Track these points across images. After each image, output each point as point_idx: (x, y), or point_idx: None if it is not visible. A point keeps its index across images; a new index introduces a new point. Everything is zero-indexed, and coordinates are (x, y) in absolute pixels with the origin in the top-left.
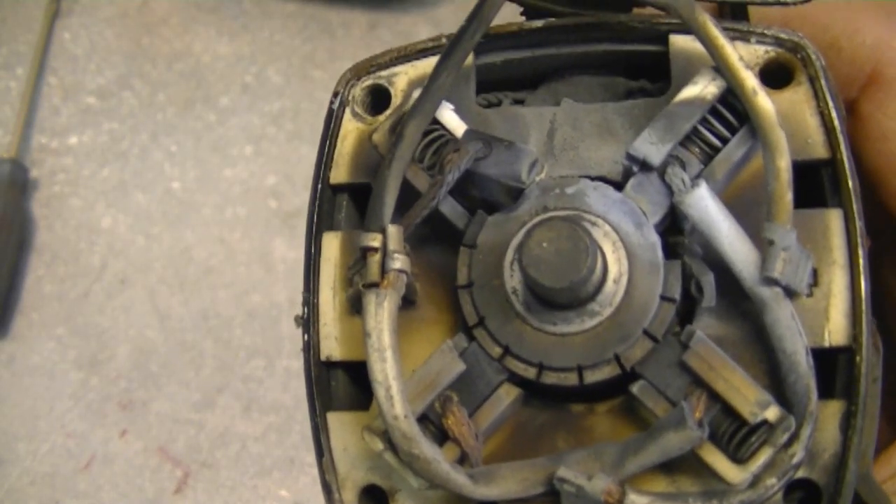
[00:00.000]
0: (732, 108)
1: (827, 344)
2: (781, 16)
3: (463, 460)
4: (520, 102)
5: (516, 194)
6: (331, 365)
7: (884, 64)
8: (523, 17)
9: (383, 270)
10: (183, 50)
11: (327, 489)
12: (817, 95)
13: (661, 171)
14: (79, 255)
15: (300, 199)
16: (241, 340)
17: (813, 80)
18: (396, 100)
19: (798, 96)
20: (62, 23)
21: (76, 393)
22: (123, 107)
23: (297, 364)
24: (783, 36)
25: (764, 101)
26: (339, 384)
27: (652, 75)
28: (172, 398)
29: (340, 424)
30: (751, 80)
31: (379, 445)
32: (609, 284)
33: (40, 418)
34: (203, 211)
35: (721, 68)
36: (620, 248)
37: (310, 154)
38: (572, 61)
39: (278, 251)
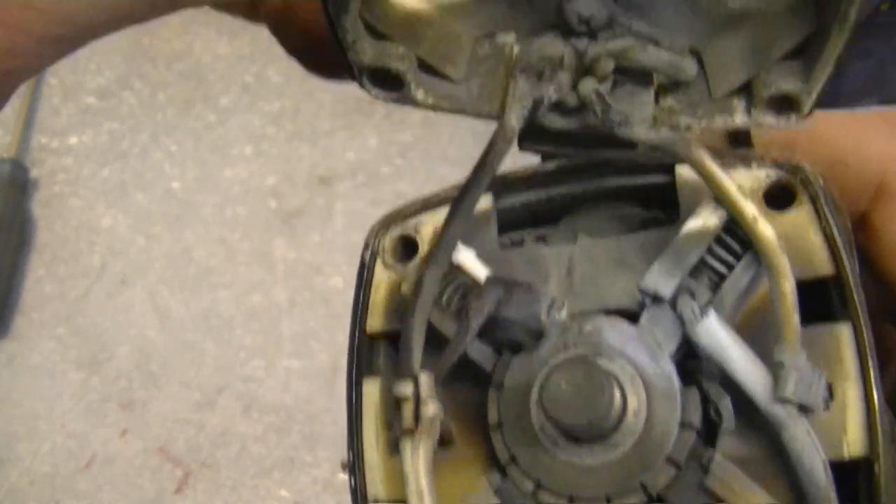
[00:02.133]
0: (736, 236)
1: (846, 456)
2: (786, 135)
3: None
4: (542, 239)
5: (537, 335)
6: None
7: (891, 177)
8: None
9: (417, 417)
10: (183, 50)
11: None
12: (819, 215)
13: (673, 303)
14: (79, 255)
15: (300, 199)
16: (241, 340)
17: (814, 201)
18: (423, 248)
19: (801, 217)
20: None
21: (76, 393)
22: (123, 107)
23: (297, 364)
24: (782, 161)
25: (764, 227)
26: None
27: (665, 204)
28: (172, 398)
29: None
30: (750, 209)
31: None
32: (629, 417)
33: (40, 418)
34: (203, 211)
35: (720, 199)
36: (638, 380)
37: (310, 154)
38: (587, 196)
39: (278, 251)
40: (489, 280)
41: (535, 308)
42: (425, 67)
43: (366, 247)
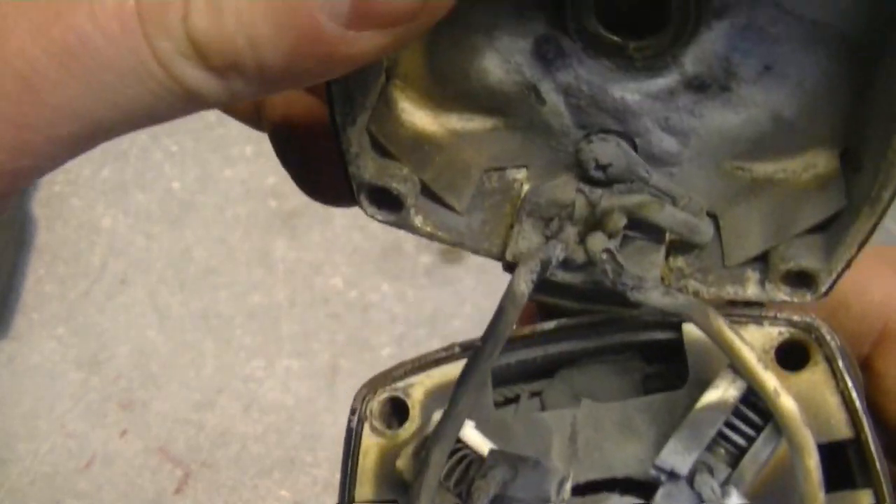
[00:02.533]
0: (755, 407)
1: None
2: None
3: None
4: (537, 394)
5: None
6: None
7: (894, 321)
8: None
9: None
10: None
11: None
12: (836, 375)
13: (690, 480)
14: (79, 255)
15: (300, 199)
16: (241, 340)
17: (830, 360)
18: (414, 411)
19: (816, 377)
20: None
21: (76, 393)
22: None
23: (297, 364)
24: (795, 318)
25: (787, 402)
26: None
27: (668, 358)
28: (172, 398)
29: None
30: (772, 382)
31: None
32: None
33: (40, 418)
34: (203, 211)
35: (741, 371)
36: None
37: None
38: (587, 353)
39: (278, 251)
40: (492, 455)
41: (544, 486)
42: (428, 193)
43: (352, 412)
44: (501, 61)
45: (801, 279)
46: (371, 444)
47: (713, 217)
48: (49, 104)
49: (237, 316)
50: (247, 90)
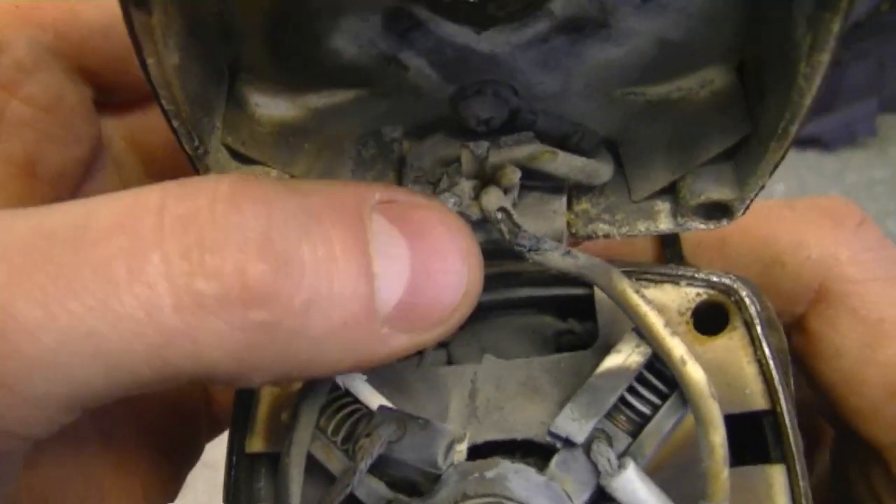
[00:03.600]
0: (660, 374)
1: None
2: (720, 235)
3: None
4: (444, 346)
5: (434, 478)
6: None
7: (831, 279)
8: None
9: None
10: None
11: None
12: (754, 342)
13: (587, 448)
14: None
15: None
16: None
17: (749, 326)
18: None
19: (733, 343)
20: None
21: None
22: None
23: None
24: (714, 279)
25: (694, 370)
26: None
27: (580, 315)
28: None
29: None
30: (679, 349)
31: None
32: None
33: None
34: None
35: (646, 336)
36: None
37: None
38: (495, 306)
39: None
40: (381, 412)
41: (432, 449)
42: None
43: None
44: (351, 40)
45: (714, 209)
46: (265, 393)
47: (613, 145)
48: (24, 394)
49: None
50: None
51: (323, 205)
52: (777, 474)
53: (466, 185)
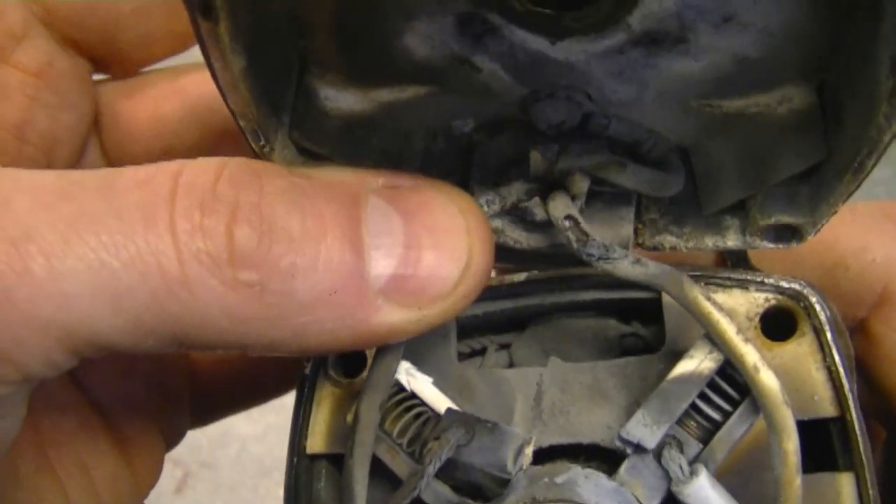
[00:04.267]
0: (732, 380)
1: None
2: None
3: None
4: (506, 347)
5: (502, 483)
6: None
7: (895, 282)
8: None
9: None
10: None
11: None
12: (823, 349)
13: (658, 454)
14: None
15: None
16: None
17: (818, 332)
18: (371, 361)
19: (802, 349)
20: None
21: None
22: None
23: None
24: (784, 284)
25: (767, 378)
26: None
27: (644, 318)
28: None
29: None
30: (752, 356)
31: None
32: None
33: None
34: None
35: (718, 343)
36: None
37: None
38: (558, 308)
39: None
40: (449, 415)
41: (501, 453)
42: None
43: (307, 358)
44: (423, 40)
45: (784, 230)
46: (326, 393)
47: (685, 156)
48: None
49: None
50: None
51: (319, 185)
52: (846, 482)
53: (524, 188)
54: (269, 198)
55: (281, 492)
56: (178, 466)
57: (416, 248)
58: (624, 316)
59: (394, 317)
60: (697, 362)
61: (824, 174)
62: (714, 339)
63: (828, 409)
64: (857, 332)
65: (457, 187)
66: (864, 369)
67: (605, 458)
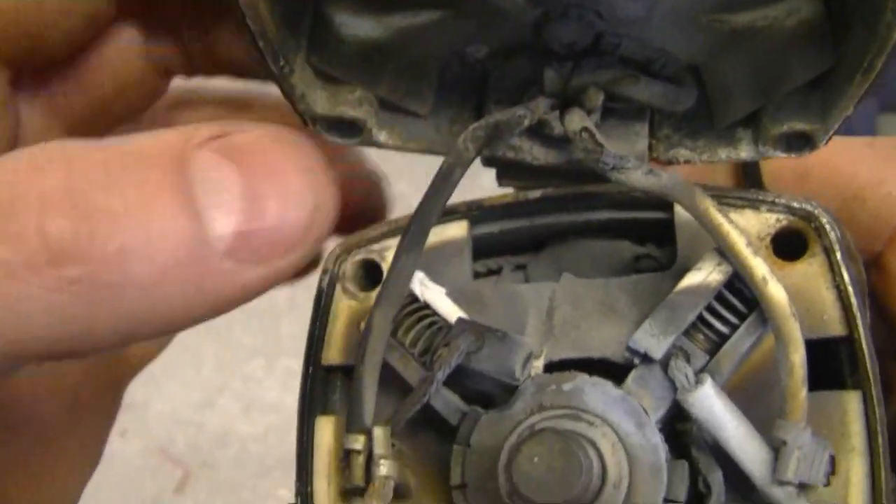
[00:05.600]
0: (740, 294)
1: None
2: (801, 168)
3: None
4: (522, 268)
5: (510, 390)
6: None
7: None
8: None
9: (369, 474)
10: None
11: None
12: (833, 268)
13: (664, 364)
14: None
15: None
16: (240, 340)
17: (828, 252)
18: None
19: (813, 269)
20: None
21: None
22: None
23: (297, 364)
24: (795, 205)
25: (776, 290)
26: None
27: (658, 240)
28: (172, 398)
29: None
30: (761, 269)
31: None
32: (608, 489)
33: None
34: None
35: (728, 255)
36: (620, 450)
37: None
38: (574, 228)
39: None
40: (459, 324)
41: (510, 361)
42: (388, 106)
43: (324, 272)
44: None
45: (797, 139)
46: (342, 307)
47: (696, 72)
48: None
49: (237, 316)
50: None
51: (135, 153)
52: (853, 401)
53: (544, 103)
54: (79, 179)
55: (281, 491)
56: (178, 466)
57: (258, 199)
58: (639, 238)
59: (246, 276)
60: (706, 274)
61: (834, 79)
62: (723, 250)
63: (836, 329)
64: (873, 266)
65: (287, 127)
66: (880, 305)
67: (615, 373)
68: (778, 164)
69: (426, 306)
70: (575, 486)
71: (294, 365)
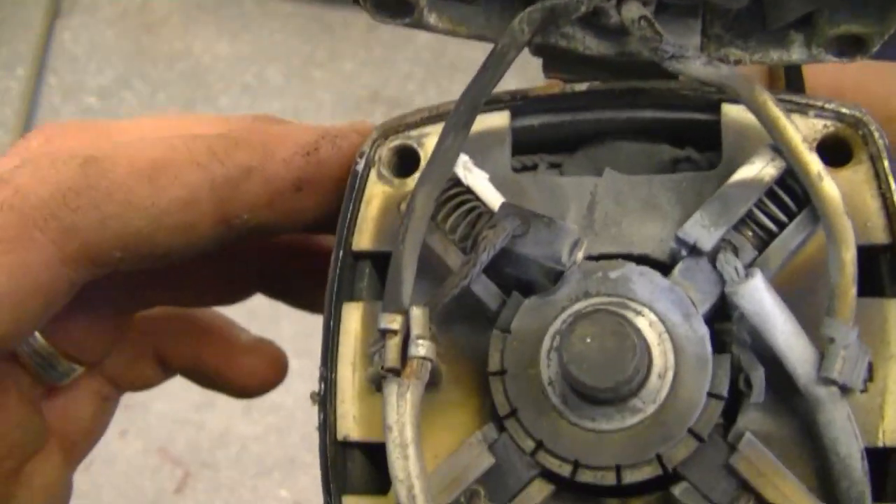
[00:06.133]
0: (791, 191)
1: (881, 444)
2: (836, 86)
3: None
4: (556, 166)
5: (555, 276)
6: (348, 445)
7: None
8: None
9: (404, 356)
10: (183, 50)
11: None
12: (878, 176)
13: (713, 257)
14: None
15: None
16: None
17: (874, 160)
18: (425, 162)
19: (858, 176)
20: (62, 23)
21: None
22: (123, 107)
23: (298, 364)
24: (844, 110)
25: (830, 187)
26: (357, 466)
27: (698, 144)
28: (172, 398)
29: None
30: (816, 165)
31: None
32: (653, 380)
33: None
34: None
35: (783, 150)
36: (667, 340)
37: None
38: (615, 127)
39: None
40: (504, 208)
41: (557, 246)
42: None
43: (360, 155)
44: None
45: (850, 43)
46: (376, 191)
47: None
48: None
49: (237, 315)
50: None
51: None
52: (893, 308)
53: None
54: None
55: (281, 492)
56: (178, 466)
57: None
58: (679, 143)
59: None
60: (759, 168)
61: None
62: (779, 146)
63: (879, 237)
64: None
65: None
66: None
67: (655, 270)
68: (811, 84)
69: (468, 191)
70: (628, 367)
71: (295, 365)
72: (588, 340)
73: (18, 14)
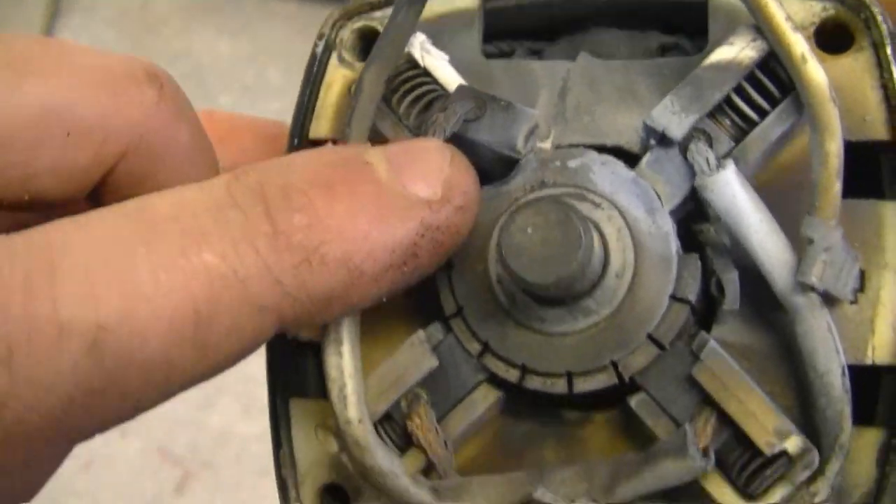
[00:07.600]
0: (774, 76)
1: (870, 361)
2: None
3: (429, 470)
4: (536, 53)
5: (511, 164)
6: (300, 346)
7: None
8: None
9: None
10: (183, 50)
11: (283, 486)
12: (881, 64)
13: (684, 148)
14: None
15: None
16: None
17: (877, 47)
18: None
19: (858, 64)
20: (62, 23)
21: None
22: None
23: None
24: None
25: (815, 70)
26: (310, 366)
27: (690, 30)
28: (172, 398)
29: (305, 413)
30: (800, 46)
31: (335, 447)
32: (609, 279)
33: None
34: None
35: (764, 28)
36: (626, 236)
37: None
38: (599, 11)
39: None
40: (460, 91)
41: (512, 131)
42: None
43: (320, 37)
44: None
45: None
46: (336, 76)
47: None
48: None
49: None
50: None
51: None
52: (890, 212)
53: None
54: None
55: None
56: (178, 466)
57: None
58: (668, 29)
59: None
60: (738, 50)
61: None
62: (760, 24)
63: (879, 132)
64: None
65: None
66: None
67: (630, 164)
68: None
69: (425, 73)
70: (572, 262)
71: None
72: (529, 231)
73: (18, 14)
